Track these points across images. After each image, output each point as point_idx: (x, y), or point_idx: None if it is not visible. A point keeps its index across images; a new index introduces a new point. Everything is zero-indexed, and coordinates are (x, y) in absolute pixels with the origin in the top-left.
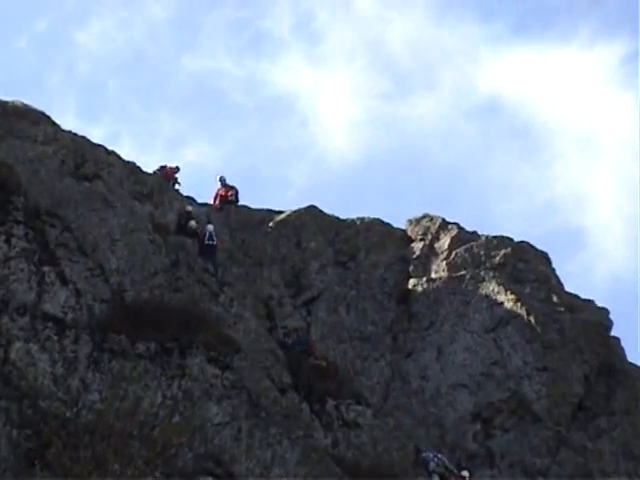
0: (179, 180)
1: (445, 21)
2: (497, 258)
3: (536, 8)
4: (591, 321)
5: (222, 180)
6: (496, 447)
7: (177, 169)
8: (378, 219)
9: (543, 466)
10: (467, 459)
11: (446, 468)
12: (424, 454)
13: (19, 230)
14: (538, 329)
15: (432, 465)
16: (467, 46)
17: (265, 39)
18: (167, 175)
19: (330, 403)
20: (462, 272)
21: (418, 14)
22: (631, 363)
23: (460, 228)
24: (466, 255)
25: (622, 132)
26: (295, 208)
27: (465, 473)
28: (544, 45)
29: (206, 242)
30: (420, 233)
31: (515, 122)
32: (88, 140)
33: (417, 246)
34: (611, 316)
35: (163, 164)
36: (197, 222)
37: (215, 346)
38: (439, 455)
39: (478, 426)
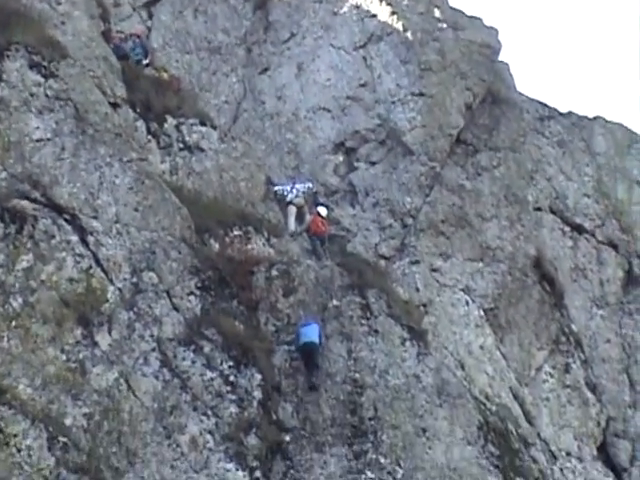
0: None
1: None
2: None
3: None
4: (477, 42)
5: None
6: (360, 182)
7: None
8: None
9: (412, 206)
10: (325, 194)
11: (305, 200)
12: (280, 187)
13: None
14: (415, 48)
15: (290, 196)
16: None
17: None
18: None
19: (170, 122)
20: None
21: None
22: (521, 93)
23: None
24: None
25: None
26: None
27: (322, 210)
28: None
29: None
30: None
31: None
32: None
33: None
34: (500, 37)
35: None
36: None
37: (38, 49)
38: (297, 186)
39: (340, 157)
